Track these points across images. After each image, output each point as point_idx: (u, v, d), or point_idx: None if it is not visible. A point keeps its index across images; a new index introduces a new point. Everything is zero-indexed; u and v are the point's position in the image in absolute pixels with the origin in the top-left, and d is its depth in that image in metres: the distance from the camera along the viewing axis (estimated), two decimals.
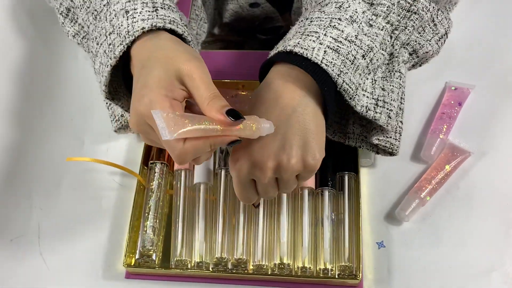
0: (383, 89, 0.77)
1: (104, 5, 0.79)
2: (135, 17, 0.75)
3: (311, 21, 0.76)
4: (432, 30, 0.82)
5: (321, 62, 0.71)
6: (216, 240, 0.86)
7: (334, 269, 0.85)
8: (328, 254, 0.85)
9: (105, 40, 0.77)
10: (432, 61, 0.87)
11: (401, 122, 0.83)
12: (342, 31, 0.74)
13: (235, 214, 0.88)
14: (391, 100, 0.77)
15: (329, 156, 0.86)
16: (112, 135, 0.98)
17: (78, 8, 0.85)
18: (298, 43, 0.73)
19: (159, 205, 0.90)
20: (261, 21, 1.20)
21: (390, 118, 0.77)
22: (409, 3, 0.78)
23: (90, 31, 0.83)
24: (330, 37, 0.73)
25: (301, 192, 0.89)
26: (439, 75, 1.03)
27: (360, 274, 0.83)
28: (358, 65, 0.74)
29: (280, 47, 0.76)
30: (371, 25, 0.76)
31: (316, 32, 0.74)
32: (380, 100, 0.76)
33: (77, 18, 0.88)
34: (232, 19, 1.19)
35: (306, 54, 0.72)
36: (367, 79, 0.76)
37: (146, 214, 0.88)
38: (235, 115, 0.65)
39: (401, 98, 0.81)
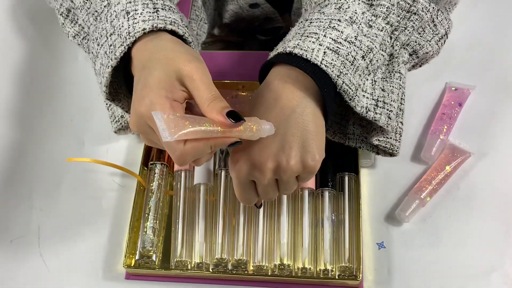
0: (383, 90, 0.78)
1: (104, 6, 0.80)
2: (136, 18, 0.75)
3: (310, 22, 0.77)
4: (432, 31, 0.82)
5: (321, 63, 0.71)
6: (216, 241, 0.87)
7: (334, 270, 0.85)
8: (328, 255, 0.85)
9: (105, 41, 0.77)
10: (432, 62, 0.87)
11: (401, 122, 0.83)
12: (342, 32, 0.74)
13: (235, 215, 0.88)
14: (391, 100, 0.77)
15: (329, 156, 0.86)
16: (112, 136, 0.98)
17: (79, 9, 0.85)
18: (298, 45, 0.73)
19: (159, 206, 0.90)
20: (261, 22, 1.20)
21: (390, 118, 0.77)
22: (408, 3, 0.78)
23: (91, 32, 0.83)
24: (330, 38, 0.74)
25: (301, 192, 0.89)
26: (439, 76, 1.03)
27: (361, 275, 0.83)
28: (358, 66, 0.74)
29: (279, 48, 0.76)
30: (370, 26, 0.76)
31: (316, 33, 0.74)
32: (380, 101, 0.77)
33: (77, 19, 0.88)
34: (232, 19, 1.19)
35: (306, 55, 0.72)
36: (367, 80, 0.77)
37: (146, 215, 0.89)
38: (235, 116, 0.66)
39: (401, 98, 0.81)
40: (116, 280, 0.88)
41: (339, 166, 0.91)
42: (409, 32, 0.79)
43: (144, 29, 0.73)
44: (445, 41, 0.84)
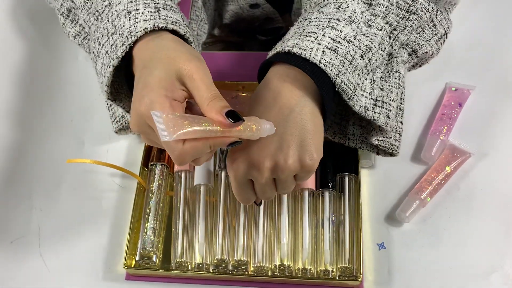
0: (382, 89, 0.78)
1: (105, 6, 0.80)
2: (137, 18, 0.75)
3: (309, 22, 0.77)
4: (432, 31, 0.83)
5: (319, 62, 0.72)
6: (217, 242, 0.87)
7: (334, 270, 0.85)
8: (329, 256, 0.85)
9: (107, 40, 0.77)
10: (432, 62, 0.87)
11: (401, 122, 0.83)
12: (341, 32, 0.75)
13: (236, 215, 0.88)
14: (390, 100, 0.77)
15: (329, 157, 0.87)
16: (112, 136, 0.99)
17: (79, 9, 0.86)
18: (297, 44, 0.74)
19: (159, 207, 0.90)
20: (261, 22, 1.20)
21: (389, 118, 0.77)
22: (407, 3, 0.78)
23: (92, 32, 0.84)
24: (329, 37, 0.74)
25: (301, 193, 0.89)
26: (439, 76, 1.03)
27: (361, 276, 0.84)
28: (357, 65, 0.74)
29: (278, 47, 0.76)
30: (369, 26, 0.77)
31: (315, 32, 0.74)
32: (379, 100, 0.77)
33: (78, 19, 0.88)
34: (232, 20, 1.19)
35: (304, 55, 0.72)
36: (366, 79, 0.77)
37: (146, 215, 0.89)
38: (234, 116, 0.66)
39: (401, 98, 0.81)
40: (116, 281, 0.88)
41: (339, 167, 0.91)
42: (408, 32, 0.80)
43: (145, 28, 0.74)
44: (444, 41, 0.84)
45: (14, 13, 1.17)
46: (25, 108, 1.05)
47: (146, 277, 0.88)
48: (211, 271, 0.86)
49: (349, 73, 0.73)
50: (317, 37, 0.74)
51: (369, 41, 0.76)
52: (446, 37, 0.85)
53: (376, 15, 0.77)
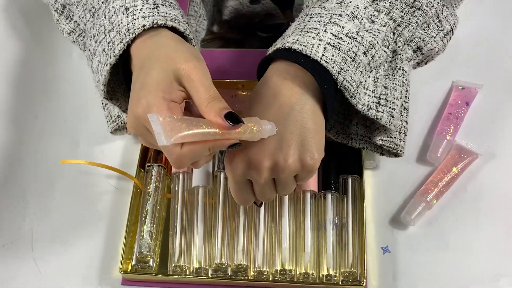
0: (385, 87, 0.77)
1: (102, 2, 0.79)
2: (135, 14, 0.75)
3: (310, 17, 0.76)
4: (437, 27, 0.82)
5: (321, 59, 0.71)
6: (216, 245, 0.86)
7: (337, 275, 0.85)
8: (331, 260, 0.85)
9: (104, 38, 0.77)
10: (438, 59, 0.87)
11: (405, 122, 0.83)
12: (343, 27, 0.74)
13: (235, 218, 0.88)
14: (394, 98, 0.77)
15: (332, 158, 0.86)
16: (108, 137, 0.98)
17: (74, 4, 0.85)
18: (297, 40, 0.73)
19: (156, 209, 0.90)
20: (262, 18, 1.19)
21: (393, 117, 0.77)
22: None
23: (88, 29, 0.83)
24: (330, 33, 0.73)
25: (303, 195, 0.89)
26: (445, 74, 1.02)
27: (365, 280, 0.83)
28: (359, 63, 0.74)
29: (278, 44, 0.76)
30: (373, 21, 0.76)
31: (316, 28, 0.74)
32: (382, 99, 0.76)
33: (72, 15, 0.88)
34: (231, 16, 1.19)
35: (305, 51, 0.72)
36: (369, 77, 0.76)
37: (143, 218, 0.88)
38: (234, 118, 0.65)
39: (405, 96, 0.81)
40: (112, 286, 0.88)
41: (342, 168, 0.91)
42: (413, 28, 0.79)
43: (144, 25, 0.73)
44: (450, 37, 0.84)
45: (6, 9, 1.17)
46: (18, 107, 1.05)
47: (143, 282, 0.88)
48: (210, 275, 0.86)
49: (352, 71, 0.73)
50: (319, 33, 0.73)
51: (372, 37, 0.75)
52: (452, 34, 0.84)
53: (379, 11, 0.77)
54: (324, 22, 0.75)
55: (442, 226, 0.89)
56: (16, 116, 1.04)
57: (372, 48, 0.75)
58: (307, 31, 0.74)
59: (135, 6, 0.75)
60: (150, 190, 0.91)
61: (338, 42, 0.73)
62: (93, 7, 0.81)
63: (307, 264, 0.85)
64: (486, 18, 1.09)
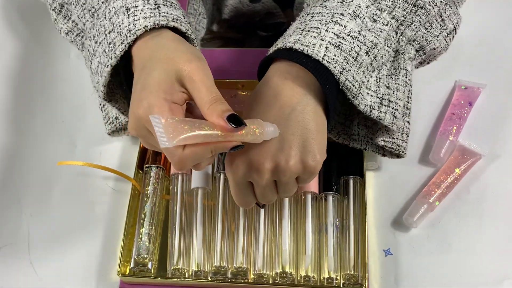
0: (388, 87, 0.77)
1: (102, 2, 0.79)
2: (136, 15, 0.75)
3: (312, 17, 0.77)
4: (440, 26, 0.82)
5: (322, 59, 0.71)
6: (215, 248, 0.86)
7: (338, 278, 0.85)
8: (333, 262, 0.85)
9: (104, 38, 0.77)
10: (440, 59, 0.87)
11: (408, 122, 0.83)
12: (345, 27, 0.74)
13: (235, 220, 0.88)
14: (397, 99, 0.77)
15: (333, 159, 0.86)
16: (105, 138, 0.98)
17: (73, 4, 0.85)
18: (298, 40, 0.73)
19: (155, 211, 0.90)
20: (262, 17, 1.19)
21: (396, 117, 0.77)
22: None
23: (87, 29, 0.83)
24: (332, 32, 0.73)
25: (304, 197, 0.89)
26: (448, 74, 1.02)
27: (366, 283, 0.83)
28: (362, 62, 0.74)
29: (279, 43, 0.76)
30: (375, 20, 0.76)
31: (317, 27, 0.74)
32: (384, 99, 0.76)
33: (71, 14, 0.88)
34: (231, 15, 1.19)
35: (307, 51, 0.72)
36: (371, 77, 0.76)
37: (141, 220, 0.88)
38: (236, 121, 0.65)
39: (408, 97, 0.81)
40: None
41: (344, 169, 0.91)
42: (416, 27, 0.79)
43: (145, 26, 0.73)
44: (453, 36, 0.84)
45: (4, 8, 1.17)
46: (15, 107, 1.05)
47: (141, 285, 0.88)
48: (209, 278, 0.86)
49: (354, 70, 0.73)
50: (320, 32, 0.73)
51: (375, 36, 0.75)
52: (455, 33, 0.85)
53: (382, 10, 0.77)
54: (326, 21, 0.75)
55: (445, 228, 0.89)
56: (13, 116, 1.04)
57: (374, 48, 0.75)
58: (309, 31, 0.74)
59: (136, 6, 0.75)
60: (148, 191, 0.91)
61: (340, 42, 0.73)
62: (93, 7, 0.81)
63: (308, 266, 0.85)
64: (490, 17, 1.09)
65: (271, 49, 0.77)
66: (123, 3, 0.76)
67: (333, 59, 0.72)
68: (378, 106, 0.76)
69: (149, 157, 0.93)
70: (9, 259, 0.91)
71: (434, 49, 0.82)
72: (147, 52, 0.73)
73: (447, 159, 0.93)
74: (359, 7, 0.76)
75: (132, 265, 0.86)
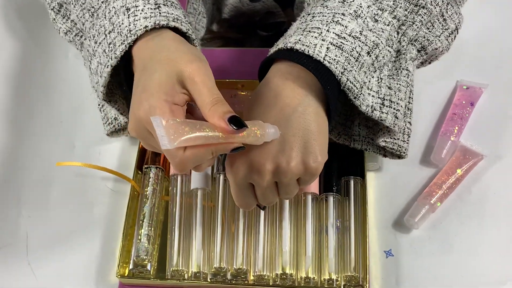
0: (389, 88, 0.77)
1: (102, 2, 0.79)
2: (136, 15, 0.75)
3: (313, 17, 0.77)
4: (442, 26, 0.82)
5: (324, 59, 0.71)
6: (215, 249, 0.86)
7: (339, 279, 0.85)
8: (333, 264, 0.85)
9: (104, 39, 0.77)
10: (442, 59, 0.87)
11: (409, 123, 0.83)
12: (346, 27, 0.74)
13: (235, 221, 0.88)
14: (398, 99, 0.77)
15: (334, 159, 0.86)
16: (104, 138, 0.98)
17: (72, 3, 0.85)
18: (299, 40, 0.73)
19: (154, 212, 0.90)
20: (262, 17, 1.19)
21: (397, 118, 0.77)
22: None
23: (87, 29, 0.83)
24: (333, 33, 0.73)
25: (304, 198, 0.89)
26: (449, 74, 1.02)
27: (367, 285, 0.83)
28: (363, 63, 0.74)
29: (280, 44, 0.76)
30: (376, 20, 0.76)
31: (318, 28, 0.74)
32: (386, 100, 0.76)
33: (69, 14, 0.88)
34: (231, 14, 1.19)
35: (308, 51, 0.72)
36: (373, 77, 0.76)
37: (141, 221, 0.88)
38: (237, 122, 0.65)
39: (409, 97, 0.81)
40: None
41: (344, 170, 0.91)
42: (417, 27, 0.79)
43: (146, 26, 0.73)
44: (455, 36, 0.84)
45: (1, 7, 1.16)
46: (13, 107, 1.05)
47: (140, 287, 0.88)
48: (208, 280, 0.86)
49: (355, 71, 0.73)
50: (321, 32, 0.73)
51: (376, 36, 0.75)
52: (457, 33, 0.85)
53: (383, 9, 0.77)
54: (327, 21, 0.75)
55: (446, 229, 0.89)
56: (10, 117, 1.04)
57: (376, 48, 0.75)
58: (310, 31, 0.74)
59: (136, 6, 0.75)
60: (147, 192, 0.91)
61: (341, 42, 0.73)
62: (92, 7, 0.81)
63: (308, 268, 0.85)
64: (492, 16, 1.09)
65: (272, 50, 0.77)
66: (123, 3, 0.76)
67: (334, 59, 0.72)
68: (380, 107, 0.76)
69: (148, 158, 0.93)
70: (7, 261, 0.91)
71: (436, 49, 0.82)
72: (147, 52, 0.73)
73: (448, 160, 0.93)
74: (360, 7, 0.76)
75: (131, 267, 0.86)
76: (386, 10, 0.77)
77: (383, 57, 0.77)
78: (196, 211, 0.89)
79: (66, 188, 0.96)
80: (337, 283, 0.84)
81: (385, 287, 0.86)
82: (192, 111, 0.74)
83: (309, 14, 0.78)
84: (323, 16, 0.76)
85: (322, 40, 0.73)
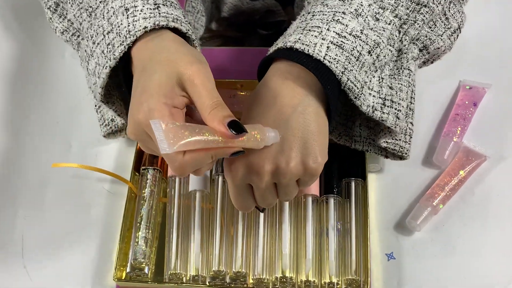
0: (390, 88, 0.77)
1: (100, 2, 0.79)
2: (136, 16, 0.74)
3: (313, 15, 0.76)
4: (444, 24, 0.82)
5: (324, 58, 0.71)
6: (213, 252, 0.86)
7: (340, 282, 0.85)
8: (334, 267, 0.85)
9: (102, 39, 0.77)
10: (444, 58, 0.87)
11: (411, 123, 0.83)
12: (347, 26, 0.74)
13: (234, 223, 0.88)
14: (400, 99, 0.77)
15: (335, 161, 0.86)
16: (101, 139, 0.98)
17: (69, 3, 0.85)
18: (299, 39, 0.73)
19: (151, 214, 0.89)
20: (262, 15, 1.19)
21: (399, 118, 0.77)
22: None
23: (84, 29, 0.83)
24: (334, 32, 0.73)
25: (304, 200, 0.89)
26: (452, 73, 1.02)
27: None
28: (364, 62, 0.74)
29: (279, 43, 0.76)
30: (377, 19, 0.76)
31: (319, 27, 0.74)
32: (387, 100, 0.76)
33: (66, 13, 0.88)
34: (231, 13, 1.19)
35: (308, 51, 0.72)
36: (374, 77, 0.76)
37: (138, 224, 0.88)
38: (237, 127, 0.65)
39: (411, 97, 0.81)
40: None
41: (345, 171, 0.91)
42: (419, 26, 0.79)
43: (145, 27, 0.73)
44: (458, 35, 0.84)
45: None
46: (8, 108, 1.05)
47: None
48: (207, 283, 0.85)
49: (356, 70, 0.73)
50: (321, 31, 0.73)
51: (377, 36, 0.75)
52: (460, 32, 0.84)
53: (384, 8, 0.77)
54: (327, 20, 0.75)
55: (449, 231, 0.89)
56: (6, 117, 1.04)
57: (377, 47, 0.75)
58: (310, 30, 0.74)
59: (135, 6, 0.75)
60: (145, 194, 0.90)
61: (342, 41, 0.73)
62: (90, 6, 0.81)
63: (308, 271, 0.85)
64: (495, 15, 1.09)
65: (271, 49, 0.77)
66: (121, 3, 0.76)
67: (335, 58, 0.72)
68: (381, 107, 0.76)
69: (145, 159, 0.93)
70: (2, 263, 0.91)
71: (438, 48, 0.82)
72: (147, 53, 0.73)
73: (451, 161, 0.93)
74: (361, 5, 0.76)
75: (128, 270, 0.86)
76: (387, 9, 0.77)
77: (384, 56, 0.77)
78: (195, 213, 0.89)
79: (62, 189, 0.96)
80: (338, 286, 0.84)
81: None
82: (191, 114, 0.74)
83: (309, 13, 0.78)
84: (323, 14, 0.76)
85: (322, 39, 0.73)
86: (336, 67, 0.71)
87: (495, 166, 0.94)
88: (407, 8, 0.78)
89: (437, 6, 0.80)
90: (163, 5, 0.76)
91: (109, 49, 0.75)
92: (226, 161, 0.73)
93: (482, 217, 0.90)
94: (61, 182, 0.97)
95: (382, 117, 0.76)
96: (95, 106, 0.92)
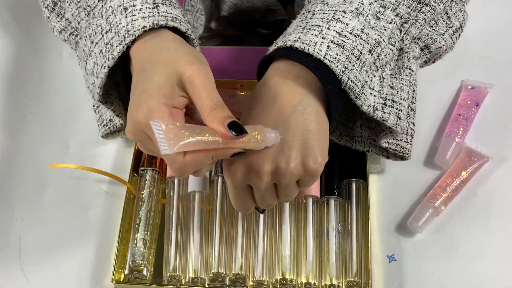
0: (391, 87, 0.77)
1: (98, 1, 0.79)
2: (134, 15, 0.74)
3: (313, 14, 0.76)
4: (446, 23, 0.82)
5: (324, 57, 0.71)
6: (213, 254, 0.86)
7: (340, 285, 0.85)
8: (334, 269, 0.85)
9: (101, 39, 0.77)
10: (446, 58, 0.87)
11: (412, 123, 0.83)
12: (347, 25, 0.74)
13: (233, 225, 0.88)
14: (401, 99, 0.77)
15: (335, 161, 0.86)
16: (99, 140, 0.98)
17: (67, 2, 0.85)
18: (299, 38, 0.73)
19: (150, 216, 0.89)
20: (262, 14, 1.19)
21: (400, 118, 0.77)
22: None
23: (82, 28, 0.83)
24: (334, 31, 0.73)
25: (304, 201, 0.89)
26: (454, 73, 1.02)
27: None
28: (365, 61, 0.74)
29: (279, 42, 0.76)
30: (378, 18, 0.76)
31: (319, 25, 0.74)
32: (388, 99, 0.76)
33: (64, 12, 0.88)
34: (230, 12, 1.19)
35: (308, 50, 0.72)
36: (374, 76, 0.76)
37: (136, 225, 0.88)
38: (237, 128, 0.65)
39: (412, 97, 0.81)
40: None
41: (346, 172, 0.91)
42: (421, 25, 0.79)
43: (144, 27, 0.73)
44: (460, 34, 0.84)
45: None
46: (5, 108, 1.05)
47: None
48: (206, 285, 0.86)
49: (356, 70, 0.73)
50: (322, 30, 0.73)
51: (378, 35, 0.75)
52: (462, 31, 0.84)
53: (385, 7, 0.77)
54: (327, 19, 0.75)
55: (451, 232, 0.89)
56: (3, 117, 1.03)
57: (377, 46, 0.75)
58: (310, 29, 0.74)
59: (134, 5, 0.75)
60: (144, 195, 0.90)
61: (342, 40, 0.73)
62: (88, 5, 0.81)
63: (309, 273, 0.85)
64: (497, 14, 1.09)
65: (271, 48, 0.77)
66: (120, 2, 0.76)
67: (335, 58, 0.72)
68: (382, 107, 0.76)
69: (144, 160, 0.93)
70: None
71: (440, 47, 0.82)
72: (146, 53, 0.73)
73: (453, 162, 0.93)
74: (362, 4, 0.76)
75: (126, 272, 0.86)
76: (388, 8, 0.77)
77: (385, 55, 0.76)
78: (194, 215, 0.89)
79: (60, 190, 0.96)
80: None
81: None
82: (191, 114, 0.74)
83: (309, 12, 0.77)
84: (323, 13, 0.76)
85: (322, 38, 0.73)
86: (337, 67, 0.71)
87: (497, 167, 0.94)
88: (409, 7, 0.78)
89: (439, 5, 0.80)
90: (162, 4, 0.76)
91: (107, 49, 0.75)
92: (226, 161, 0.73)
93: (485, 219, 0.90)
94: (59, 183, 0.97)
95: (383, 117, 0.76)
96: (93, 106, 0.92)
